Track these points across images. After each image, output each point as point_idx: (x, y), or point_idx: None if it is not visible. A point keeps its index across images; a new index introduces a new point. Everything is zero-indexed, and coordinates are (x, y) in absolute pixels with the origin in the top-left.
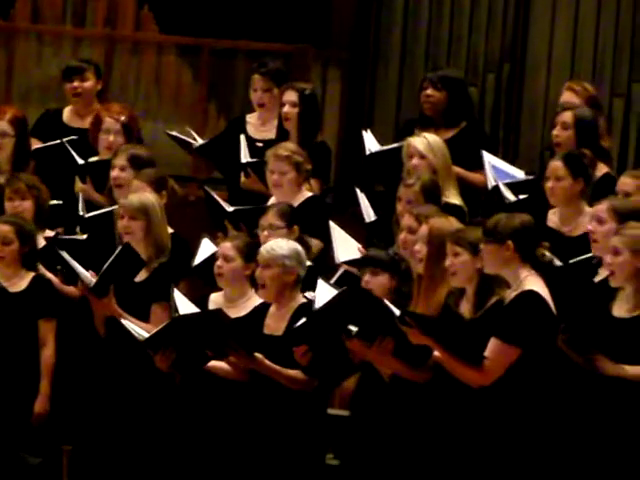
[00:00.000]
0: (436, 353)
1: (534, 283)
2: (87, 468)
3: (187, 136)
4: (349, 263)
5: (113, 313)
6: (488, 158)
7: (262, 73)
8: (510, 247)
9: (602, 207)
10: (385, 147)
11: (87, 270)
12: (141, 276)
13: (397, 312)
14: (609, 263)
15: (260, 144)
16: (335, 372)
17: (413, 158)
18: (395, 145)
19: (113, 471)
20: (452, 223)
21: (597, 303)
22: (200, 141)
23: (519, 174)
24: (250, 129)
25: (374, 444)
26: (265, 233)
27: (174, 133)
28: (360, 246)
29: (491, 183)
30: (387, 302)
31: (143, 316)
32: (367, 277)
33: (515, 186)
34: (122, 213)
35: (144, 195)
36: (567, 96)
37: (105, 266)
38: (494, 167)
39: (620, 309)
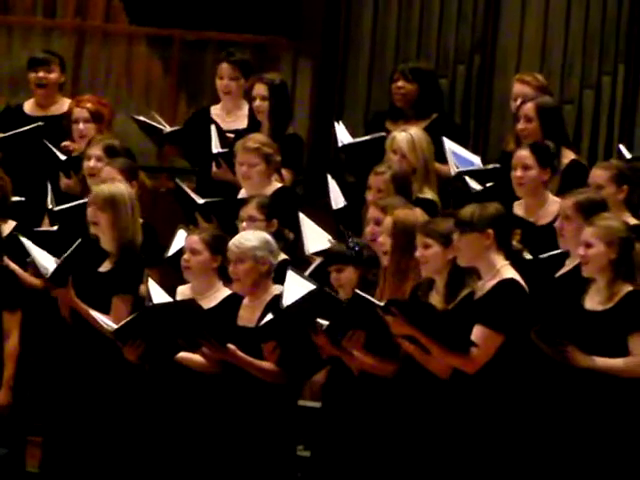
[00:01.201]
0: (406, 344)
1: (511, 272)
2: (56, 459)
3: (154, 122)
4: (319, 254)
5: (71, 303)
6: (448, 145)
7: (230, 62)
8: (490, 235)
9: (568, 204)
10: (358, 139)
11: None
12: (105, 267)
13: (379, 302)
14: (581, 255)
15: (231, 135)
16: (304, 367)
17: (396, 154)
18: (368, 137)
19: (82, 462)
20: (417, 215)
21: (565, 295)
22: (168, 127)
23: (477, 160)
24: (217, 120)
25: (345, 436)
26: (244, 224)
27: (141, 118)
28: (330, 237)
29: (454, 169)
30: (363, 294)
31: (106, 307)
32: (334, 275)
33: (479, 174)
34: (91, 201)
35: (115, 186)
36: (518, 88)
37: (64, 256)
38: (454, 153)
39: (592, 301)
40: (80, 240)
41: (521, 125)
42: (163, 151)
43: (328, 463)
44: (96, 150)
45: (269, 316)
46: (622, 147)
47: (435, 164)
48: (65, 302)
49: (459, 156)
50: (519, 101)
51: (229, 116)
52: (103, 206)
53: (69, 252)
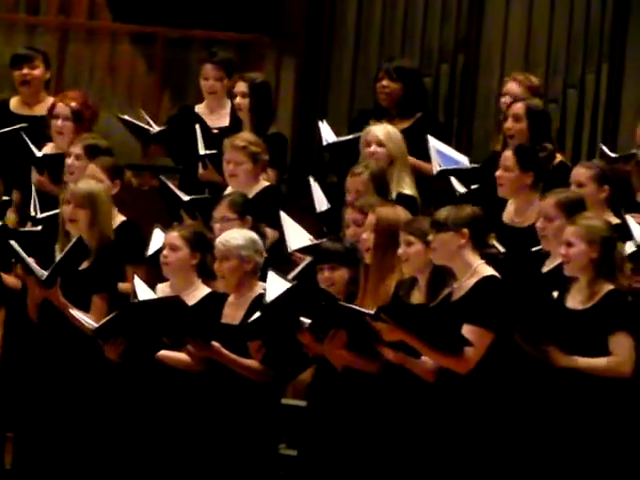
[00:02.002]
0: (386, 352)
1: (489, 270)
2: (30, 455)
3: (141, 121)
4: (300, 251)
5: (59, 304)
6: (433, 143)
7: (213, 62)
8: (465, 235)
9: (549, 203)
10: (342, 138)
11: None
12: (84, 265)
13: (369, 311)
14: (563, 254)
15: (215, 131)
16: (290, 365)
17: (371, 145)
18: (352, 136)
19: (57, 460)
20: (399, 213)
21: (546, 294)
22: (155, 127)
23: (464, 160)
24: (201, 119)
25: (331, 435)
26: (218, 226)
27: (126, 117)
28: (311, 237)
29: (436, 168)
30: (348, 305)
31: (85, 305)
32: (326, 274)
33: (462, 174)
34: (68, 199)
35: (92, 183)
36: (510, 86)
37: (59, 259)
38: (439, 152)
39: (574, 300)
40: (73, 242)
41: (509, 124)
42: (149, 150)
43: (314, 462)
44: (77, 149)
45: (256, 314)
46: (604, 147)
47: (415, 160)
48: (54, 303)
49: (444, 155)
50: (508, 99)
51: (213, 115)
52: (82, 203)
53: (64, 254)
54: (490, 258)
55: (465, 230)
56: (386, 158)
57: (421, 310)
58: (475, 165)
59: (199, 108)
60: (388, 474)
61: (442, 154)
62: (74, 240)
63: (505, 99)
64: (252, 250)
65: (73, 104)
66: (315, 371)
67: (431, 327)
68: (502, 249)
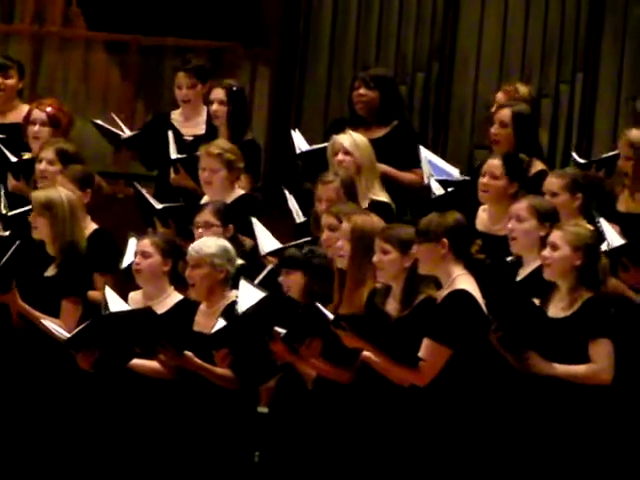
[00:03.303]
0: (365, 353)
1: (465, 282)
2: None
3: (113, 124)
4: (272, 253)
5: (18, 308)
6: (425, 154)
7: (186, 70)
8: (445, 245)
9: (521, 205)
10: (315, 146)
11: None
12: (51, 271)
13: (330, 316)
14: (545, 257)
15: (189, 138)
16: (258, 373)
17: (338, 154)
18: (324, 145)
19: (31, 468)
20: (374, 221)
21: (525, 302)
22: (128, 131)
23: (455, 172)
24: (176, 125)
25: (295, 442)
26: (199, 231)
27: (99, 122)
28: (280, 245)
29: (428, 178)
30: (320, 306)
31: (53, 311)
32: (282, 277)
33: (452, 185)
34: (32, 207)
35: (53, 190)
36: (500, 97)
37: (1, 262)
38: (430, 162)
39: (555, 308)
40: (17, 244)
41: (495, 130)
42: (120, 154)
43: (276, 469)
44: (48, 154)
45: (220, 323)
46: (575, 155)
47: (391, 169)
48: (12, 307)
49: (435, 166)
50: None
51: (188, 122)
52: (41, 211)
53: (6, 257)
54: (476, 264)
55: (444, 240)
56: (353, 166)
57: (378, 322)
58: (466, 177)
59: (174, 115)
60: None
61: (433, 165)
62: (14, 245)
63: (494, 108)
64: (224, 259)
65: (49, 109)
66: (280, 379)
67: (389, 338)
68: (487, 260)
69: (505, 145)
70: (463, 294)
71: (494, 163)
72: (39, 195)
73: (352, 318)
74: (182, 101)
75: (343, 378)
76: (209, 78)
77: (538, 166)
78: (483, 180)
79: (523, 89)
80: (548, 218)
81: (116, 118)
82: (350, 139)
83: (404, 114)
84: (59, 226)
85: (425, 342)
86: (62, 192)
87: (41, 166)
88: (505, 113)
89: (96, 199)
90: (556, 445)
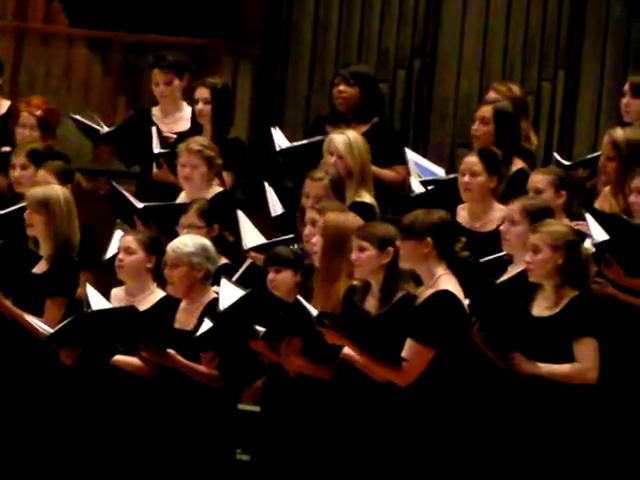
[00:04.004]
0: (346, 350)
1: (448, 282)
2: None
3: (91, 121)
4: (256, 249)
5: (4, 310)
6: (411, 155)
7: (161, 67)
8: (429, 243)
9: (514, 208)
10: (295, 143)
11: None
12: (40, 268)
13: (314, 313)
14: (528, 261)
15: (169, 134)
16: (245, 374)
17: (332, 155)
18: (305, 141)
19: (12, 464)
20: (348, 218)
21: (509, 301)
22: (105, 127)
23: (440, 172)
24: (156, 122)
25: (284, 440)
26: (185, 232)
27: (78, 117)
28: (266, 240)
29: (416, 179)
30: (303, 301)
31: (41, 309)
32: (271, 275)
33: (441, 184)
34: (27, 204)
35: (50, 188)
36: (491, 96)
37: None
38: (417, 164)
39: (539, 307)
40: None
41: (475, 126)
42: (99, 150)
43: (268, 468)
44: (20, 159)
45: (207, 325)
46: (558, 156)
47: (376, 168)
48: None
49: (421, 166)
50: None
51: (168, 118)
52: (37, 208)
53: None
54: (461, 262)
55: (429, 239)
56: (344, 170)
57: (365, 319)
58: (453, 176)
59: (155, 111)
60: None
61: (420, 166)
62: None
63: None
64: (203, 257)
65: (38, 112)
66: (268, 377)
67: (373, 337)
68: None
69: (485, 141)
70: (447, 295)
71: (472, 160)
72: (36, 192)
73: (335, 316)
74: (159, 97)
75: (325, 375)
76: (186, 72)
77: (518, 164)
78: (464, 179)
79: (516, 89)
80: (541, 218)
81: (94, 115)
82: (346, 143)
83: (384, 111)
84: (56, 224)
85: (408, 343)
86: (59, 189)
87: (15, 173)
88: (486, 110)
89: (75, 196)
90: (541, 445)
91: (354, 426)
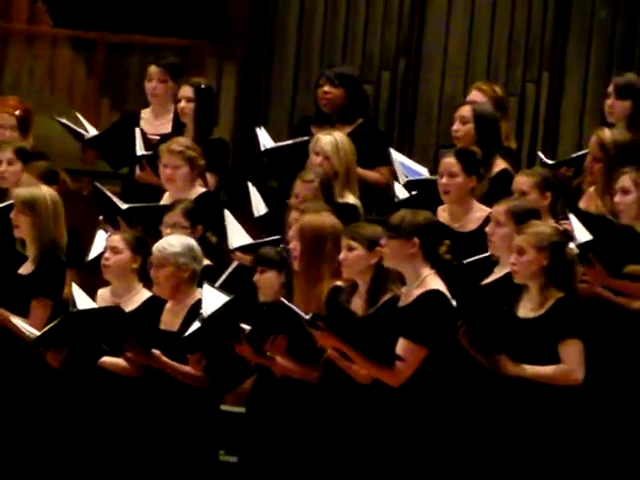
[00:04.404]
0: (330, 351)
1: (436, 282)
2: None
3: (77, 124)
4: (241, 249)
5: None
6: (395, 156)
7: (159, 64)
8: (416, 244)
9: (500, 209)
10: (280, 143)
11: None
12: (26, 269)
13: (305, 315)
14: (513, 262)
15: (157, 137)
16: (231, 376)
17: (319, 156)
18: (290, 142)
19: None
20: (325, 219)
21: (496, 302)
22: (92, 130)
23: (424, 171)
24: (144, 124)
25: (269, 442)
26: (168, 231)
27: (64, 120)
28: (252, 241)
29: (403, 179)
30: (289, 304)
31: (26, 310)
32: (256, 275)
33: (427, 184)
34: (14, 204)
35: (36, 188)
36: (474, 95)
37: None
38: (403, 164)
39: (525, 309)
40: None
41: (455, 126)
42: (85, 154)
43: (254, 469)
44: (7, 154)
45: (194, 326)
46: (541, 155)
47: (360, 169)
48: None
49: (406, 166)
50: None
51: (157, 119)
52: (23, 209)
53: None
54: (443, 264)
55: (416, 239)
56: (331, 170)
57: (356, 320)
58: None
59: (145, 113)
60: None
61: (405, 166)
62: None
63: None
64: (189, 257)
65: (17, 112)
66: (256, 379)
67: (365, 337)
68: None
69: (466, 141)
70: (438, 294)
71: (449, 161)
72: (22, 193)
73: (328, 317)
74: (150, 94)
75: (311, 377)
76: (181, 77)
77: (500, 165)
78: (442, 180)
79: (499, 89)
80: (526, 220)
81: (81, 118)
82: (332, 144)
83: (368, 112)
84: (42, 225)
85: (401, 342)
86: (45, 190)
87: (1, 167)
88: (466, 110)
89: (61, 196)
90: (528, 446)
91: (340, 428)
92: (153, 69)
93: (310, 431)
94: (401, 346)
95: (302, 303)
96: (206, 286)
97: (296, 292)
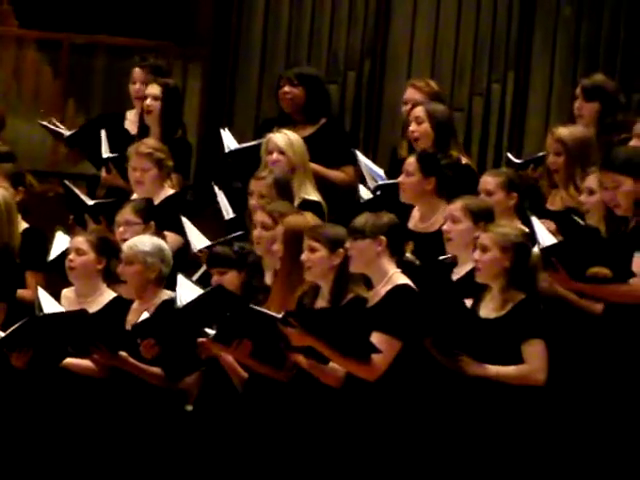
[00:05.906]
0: (295, 356)
1: (403, 278)
2: None
3: (52, 125)
4: (207, 248)
5: None
6: (362, 158)
7: (142, 67)
8: (383, 242)
9: (456, 206)
10: (244, 144)
11: None
12: None
13: (277, 315)
14: (476, 259)
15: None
16: (182, 366)
17: (273, 153)
18: (254, 142)
19: None
20: (307, 220)
21: (458, 302)
22: (66, 132)
23: (381, 172)
24: (129, 125)
25: (220, 439)
26: (121, 229)
27: (45, 123)
28: (209, 242)
29: (372, 183)
30: (258, 308)
31: None
32: (216, 277)
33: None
34: None
35: None
36: (409, 93)
37: None
38: (369, 167)
39: (486, 309)
40: None
41: (412, 127)
42: (68, 155)
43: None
44: None
45: (145, 314)
46: (510, 155)
47: (320, 168)
48: None
49: (371, 169)
50: (409, 106)
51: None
52: None
53: None
54: (406, 266)
55: (383, 238)
56: (287, 166)
57: (329, 315)
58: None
59: (130, 115)
60: None
61: (370, 168)
62: None
63: (407, 107)
64: (157, 258)
65: None
66: (204, 375)
67: (339, 333)
68: (417, 261)
69: (425, 141)
70: (407, 288)
71: (409, 161)
72: None
73: (300, 314)
74: (134, 97)
75: (279, 378)
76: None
77: (463, 160)
78: (399, 178)
79: (433, 84)
80: (483, 218)
81: (54, 120)
82: (285, 138)
83: (332, 111)
84: None
85: (375, 336)
86: (1, 193)
87: None
88: (419, 110)
89: (27, 197)
90: (490, 446)
91: (304, 426)
92: (137, 71)
93: (267, 431)
94: (376, 340)
95: (278, 305)
96: (180, 277)
97: (274, 292)
